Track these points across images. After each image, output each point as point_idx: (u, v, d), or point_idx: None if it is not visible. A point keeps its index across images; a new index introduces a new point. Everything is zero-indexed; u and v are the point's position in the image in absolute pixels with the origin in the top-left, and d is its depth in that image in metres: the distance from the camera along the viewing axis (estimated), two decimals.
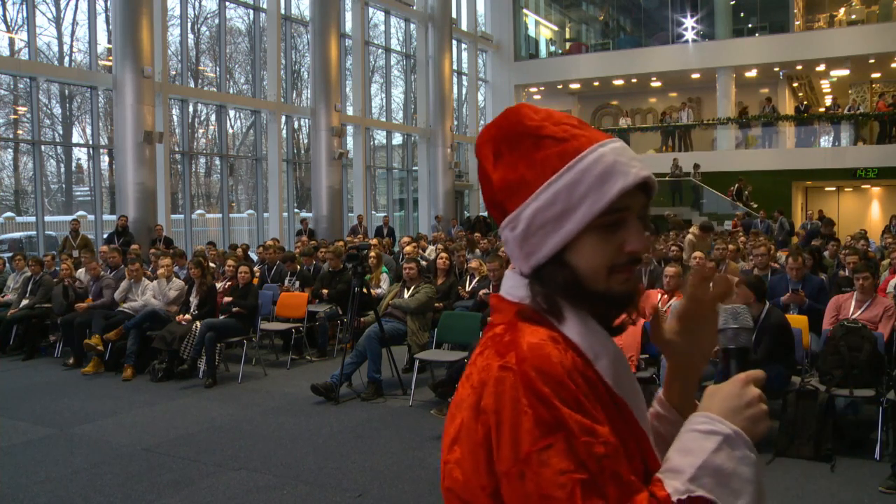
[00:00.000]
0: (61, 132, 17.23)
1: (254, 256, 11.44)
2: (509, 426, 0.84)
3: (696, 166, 20.47)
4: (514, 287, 0.98)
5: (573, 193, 0.92)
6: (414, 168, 21.73)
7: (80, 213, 14.36)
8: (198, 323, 7.17)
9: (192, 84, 16.35)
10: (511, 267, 1.02)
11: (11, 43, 14.72)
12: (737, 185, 19.77)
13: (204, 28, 19.00)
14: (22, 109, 14.70)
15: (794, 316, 5.86)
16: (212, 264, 9.06)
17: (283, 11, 16.97)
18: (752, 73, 22.51)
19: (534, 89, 25.49)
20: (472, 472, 0.87)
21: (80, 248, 11.06)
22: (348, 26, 18.89)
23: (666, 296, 6.28)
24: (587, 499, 0.81)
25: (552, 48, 26.72)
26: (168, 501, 4.16)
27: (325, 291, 8.34)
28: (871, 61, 21.43)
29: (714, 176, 20.53)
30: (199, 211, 18.12)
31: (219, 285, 7.88)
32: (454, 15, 22.05)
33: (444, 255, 8.19)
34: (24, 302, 8.63)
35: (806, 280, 6.35)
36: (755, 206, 18.48)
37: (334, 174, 16.99)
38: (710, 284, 1.06)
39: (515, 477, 0.83)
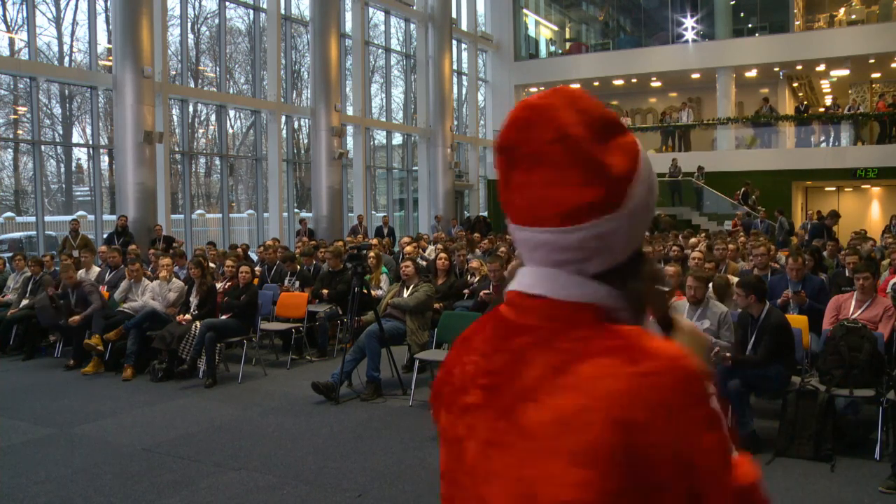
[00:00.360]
0: (61, 132, 17.23)
1: (254, 256, 11.44)
2: (676, 431, 0.81)
3: (700, 168, 20.42)
4: (572, 285, 0.89)
5: (650, 179, 0.93)
6: (414, 168, 21.73)
7: (80, 213, 14.36)
8: (197, 323, 7.17)
9: (192, 84, 16.35)
10: (517, 264, 0.97)
11: (11, 43, 14.73)
12: (743, 189, 19.67)
13: (204, 28, 19.01)
14: (22, 109, 14.70)
15: (794, 316, 5.86)
16: (212, 265, 9.06)
17: (283, 11, 16.97)
18: (752, 73, 22.51)
19: (534, 89, 25.44)
20: (618, 488, 0.80)
21: (80, 247, 11.06)
22: (348, 26, 18.89)
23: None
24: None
25: (552, 48, 26.72)
26: (168, 501, 4.16)
27: (324, 292, 8.34)
28: (871, 61, 21.44)
29: (714, 176, 20.53)
30: (199, 211, 18.12)
31: (219, 285, 7.87)
32: (454, 15, 22.04)
33: (443, 255, 8.19)
34: (24, 302, 8.63)
35: (806, 280, 6.35)
36: (762, 209, 18.34)
37: (334, 174, 16.99)
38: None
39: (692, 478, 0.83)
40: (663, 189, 20.99)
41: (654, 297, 0.97)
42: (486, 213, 22.88)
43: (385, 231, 16.71)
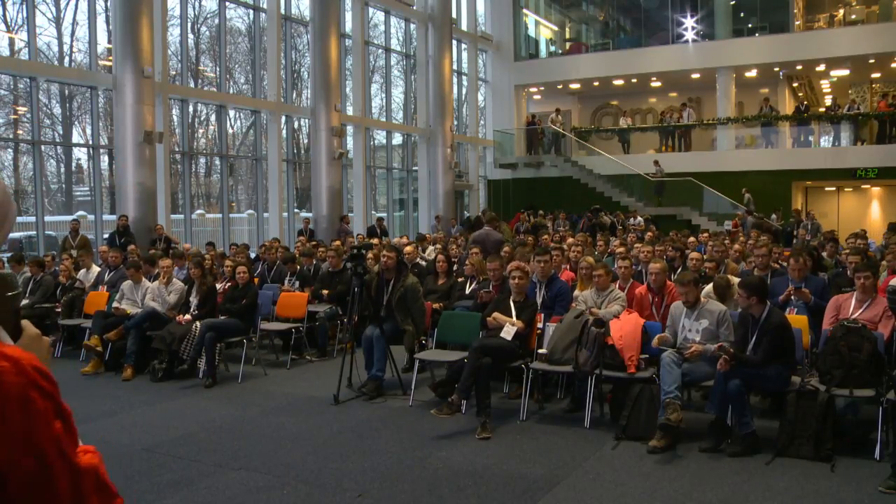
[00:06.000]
0: (61, 132, 17.23)
1: (253, 256, 11.43)
2: (27, 419, 1.04)
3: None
4: None
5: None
6: (414, 168, 21.72)
7: (81, 213, 14.36)
8: (198, 323, 7.17)
9: (192, 84, 16.34)
10: None
11: (11, 43, 14.72)
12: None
13: (204, 28, 19.01)
14: (22, 109, 14.69)
15: (795, 316, 5.85)
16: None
17: (283, 11, 16.96)
18: (752, 73, 22.51)
19: (534, 89, 25.48)
20: None
21: (79, 248, 11.06)
22: (348, 26, 18.88)
23: (657, 297, 6.23)
24: None
25: (552, 48, 26.71)
26: (168, 501, 4.16)
27: (325, 292, 8.33)
28: (871, 61, 21.43)
29: (714, 176, 20.54)
30: (199, 211, 18.12)
31: (219, 286, 7.87)
32: (454, 15, 22.04)
33: (441, 256, 8.17)
34: (24, 302, 8.62)
35: (808, 280, 6.34)
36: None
37: (334, 174, 16.98)
38: None
39: None
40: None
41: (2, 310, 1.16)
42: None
43: (378, 231, 16.64)
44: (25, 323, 1.25)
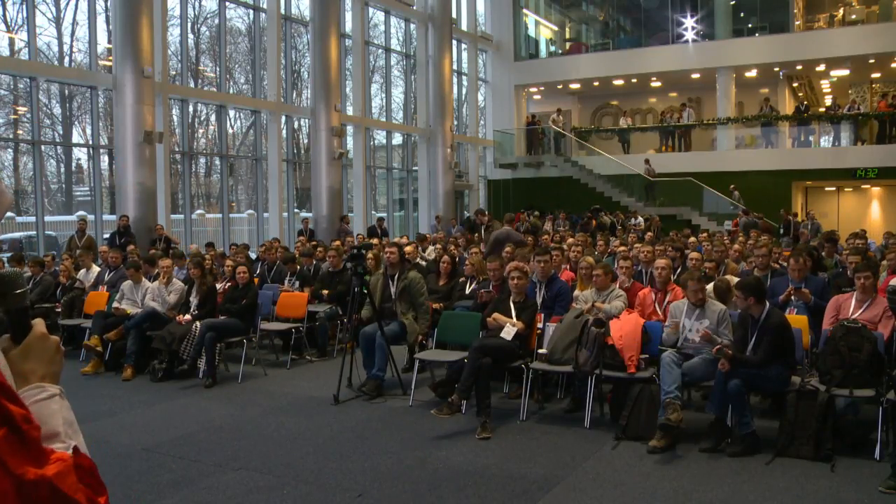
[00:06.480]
0: (61, 132, 17.23)
1: (253, 256, 11.43)
2: None
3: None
4: None
5: None
6: (414, 168, 21.73)
7: (81, 213, 14.36)
8: (198, 323, 7.17)
9: (192, 84, 16.34)
10: None
11: (11, 43, 14.72)
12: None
13: (204, 28, 19.01)
14: (22, 109, 14.69)
15: (795, 316, 5.85)
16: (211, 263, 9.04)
17: (283, 11, 16.96)
18: (752, 73, 22.51)
19: (534, 89, 25.47)
20: None
21: (84, 248, 11.05)
22: (348, 26, 18.88)
23: (660, 294, 6.24)
24: None
25: (552, 48, 26.71)
26: (168, 501, 4.16)
27: (325, 292, 8.33)
28: (871, 61, 21.43)
29: (714, 176, 20.54)
30: (199, 211, 18.11)
31: (219, 286, 7.87)
32: (454, 15, 22.04)
33: (446, 258, 8.16)
34: None
35: (808, 280, 6.34)
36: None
37: (334, 174, 16.98)
38: None
39: None
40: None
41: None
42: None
43: (379, 232, 16.65)
44: (36, 321, 1.21)
